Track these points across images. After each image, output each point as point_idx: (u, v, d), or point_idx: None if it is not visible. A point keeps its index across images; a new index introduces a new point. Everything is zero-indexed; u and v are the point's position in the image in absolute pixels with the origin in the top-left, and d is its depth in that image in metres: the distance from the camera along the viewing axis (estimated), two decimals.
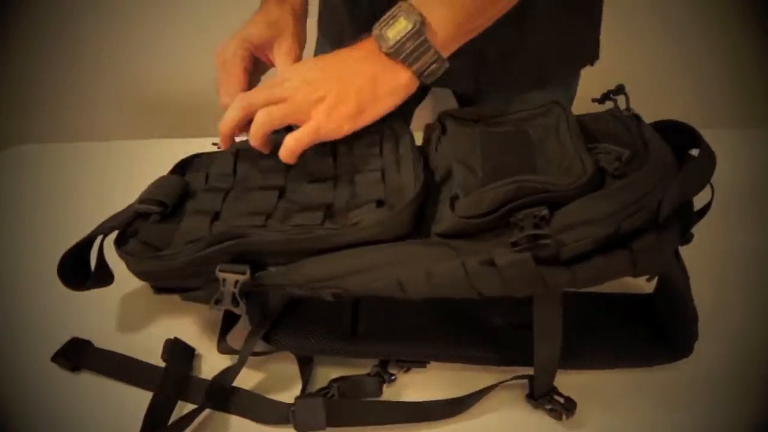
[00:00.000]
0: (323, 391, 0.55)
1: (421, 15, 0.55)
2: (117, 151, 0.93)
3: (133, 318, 0.64)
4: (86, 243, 0.60)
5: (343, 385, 0.55)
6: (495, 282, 0.47)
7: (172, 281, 0.57)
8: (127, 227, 0.59)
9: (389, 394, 0.56)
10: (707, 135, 0.51)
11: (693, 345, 0.56)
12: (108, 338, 0.61)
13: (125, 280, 0.60)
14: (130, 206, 0.62)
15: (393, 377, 0.57)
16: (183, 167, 0.67)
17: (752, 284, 0.66)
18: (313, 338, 0.58)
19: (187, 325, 0.63)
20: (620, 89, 0.57)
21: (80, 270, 0.61)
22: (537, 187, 0.47)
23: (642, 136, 0.52)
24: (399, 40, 0.55)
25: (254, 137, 0.58)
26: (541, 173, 0.50)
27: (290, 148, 0.56)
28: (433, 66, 0.56)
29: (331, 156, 0.61)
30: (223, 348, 0.59)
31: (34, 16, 1.45)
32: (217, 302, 0.52)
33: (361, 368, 0.58)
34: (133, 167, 0.86)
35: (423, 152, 0.60)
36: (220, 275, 0.52)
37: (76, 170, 0.88)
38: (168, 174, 0.65)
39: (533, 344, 0.52)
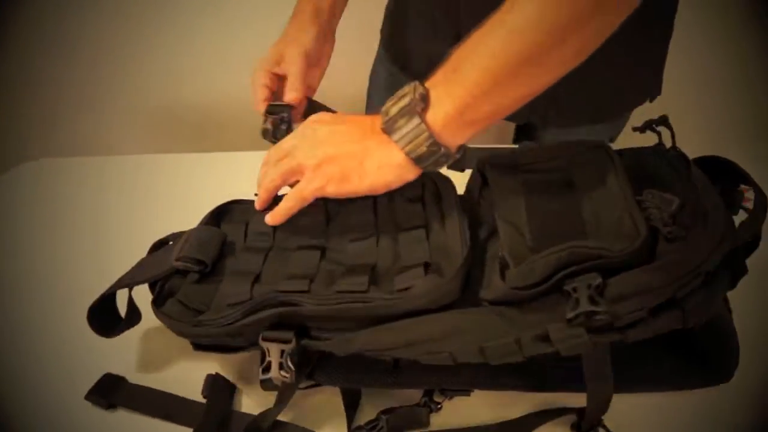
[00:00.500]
0: (372, 424, 0.54)
1: (423, 95, 0.52)
2: (130, 165, 0.90)
3: (166, 353, 0.62)
4: (114, 292, 0.58)
5: (392, 418, 0.54)
6: (547, 350, 0.46)
7: (213, 342, 0.55)
8: (164, 283, 0.57)
9: (436, 422, 0.55)
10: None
11: (733, 371, 0.55)
12: (141, 374, 0.59)
13: None
14: (157, 254, 0.60)
15: (439, 406, 0.56)
16: (219, 215, 0.65)
17: None
18: (356, 372, 0.56)
19: (223, 358, 0.61)
20: (663, 120, 0.55)
21: (109, 316, 0.59)
22: (590, 253, 0.45)
23: (690, 179, 0.50)
24: (392, 117, 0.52)
25: (258, 201, 0.61)
26: (591, 233, 0.49)
27: (280, 210, 0.58)
28: (425, 150, 0.52)
29: (372, 211, 0.59)
30: (268, 385, 0.57)
31: (44, 31, 1.41)
32: (264, 371, 0.51)
33: (406, 398, 0.56)
34: (148, 182, 0.85)
35: (465, 205, 0.58)
36: (264, 345, 0.51)
37: (90, 185, 0.85)
38: (204, 224, 0.62)
39: (576, 371, 0.50)
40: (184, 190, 0.68)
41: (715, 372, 0.56)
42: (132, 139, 1.61)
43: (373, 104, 1.02)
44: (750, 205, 0.49)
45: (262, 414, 0.54)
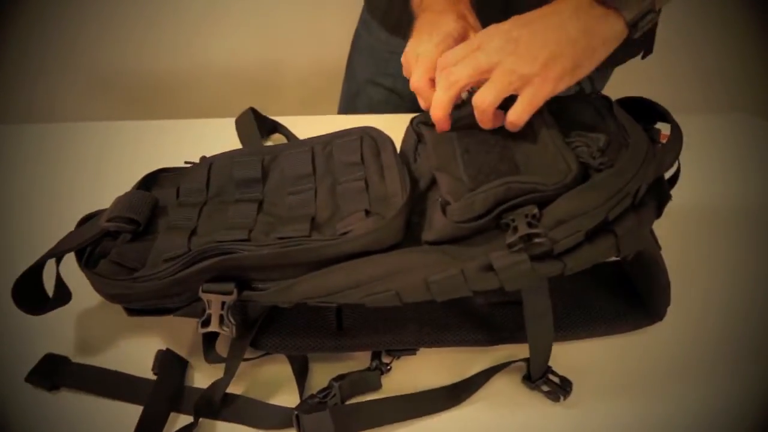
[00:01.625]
0: (324, 392, 0.54)
1: None
2: (74, 132, 0.84)
3: (111, 331, 0.60)
4: (41, 265, 0.55)
5: (344, 384, 0.55)
6: (492, 283, 0.48)
7: (148, 302, 0.53)
8: (95, 247, 0.55)
9: (387, 383, 0.57)
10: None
11: (665, 310, 0.60)
12: (85, 353, 0.58)
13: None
14: (86, 224, 0.57)
15: (389, 367, 0.57)
16: (148, 183, 0.63)
17: (718, 249, 0.71)
18: (300, 338, 0.57)
19: (173, 335, 0.60)
20: None
21: (37, 292, 0.56)
22: (526, 187, 0.47)
23: (615, 118, 0.53)
24: None
25: (482, 122, 0.54)
26: (524, 173, 0.50)
27: (515, 123, 0.53)
28: (648, 16, 0.53)
29: (310, 164, 0.59)
30: (213, 357, 0.57)
31: None
32: (204, 324, 0.50)
33: (354, 361, 0.58)
34: (93, 150, 0.81)
35: (403, 162, 0.58)
36: (205, 297, 0.50)
37: (32, 153, 0.80)
38: (134, 189, 0.60)
39: (518, 321, 0.54)
40: (130, 158, 0.65)
41: (648, 312, 0.61)
42: (76, 106, 1.53)
43: (354, 70, 1.00)
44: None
45: (212, 385, 0.54)
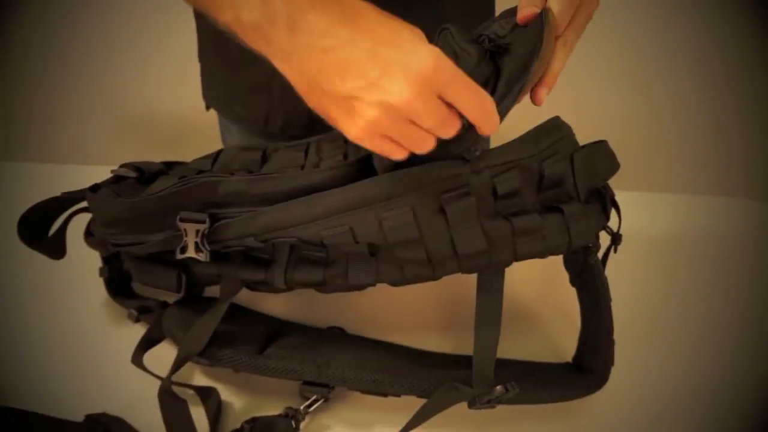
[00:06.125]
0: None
1: None
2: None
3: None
4: (55, 203, 0.66)
5: (255, 426, 0.56)
6: (441, 225, 0.52)
7: (137, 230, 0.60)
8: (100, 187, 0.64)
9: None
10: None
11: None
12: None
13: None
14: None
15: (303, 415, 0.59)
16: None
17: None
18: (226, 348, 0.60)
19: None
20: None
21: (41, 228, 0.67)
22: None
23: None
24: None
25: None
26: None
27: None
28: None
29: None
30: (138, 361, 0.60)
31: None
32: (182, 251, 0.57)
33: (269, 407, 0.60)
34: None
35: None
36: (182, 225, 0.56)
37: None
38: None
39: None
40: None
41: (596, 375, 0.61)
42: (109, 148, 1.63)
43: None
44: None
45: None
